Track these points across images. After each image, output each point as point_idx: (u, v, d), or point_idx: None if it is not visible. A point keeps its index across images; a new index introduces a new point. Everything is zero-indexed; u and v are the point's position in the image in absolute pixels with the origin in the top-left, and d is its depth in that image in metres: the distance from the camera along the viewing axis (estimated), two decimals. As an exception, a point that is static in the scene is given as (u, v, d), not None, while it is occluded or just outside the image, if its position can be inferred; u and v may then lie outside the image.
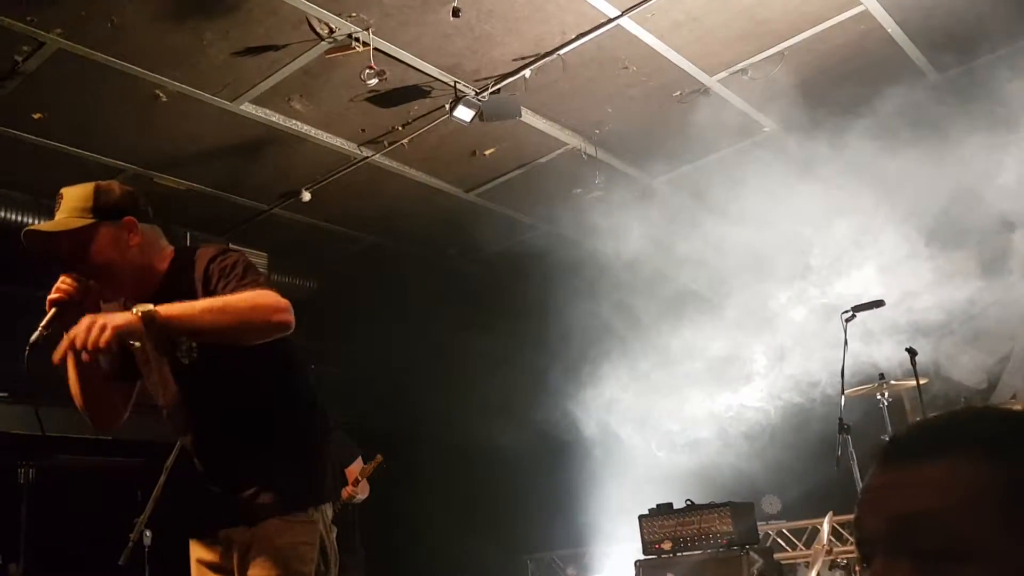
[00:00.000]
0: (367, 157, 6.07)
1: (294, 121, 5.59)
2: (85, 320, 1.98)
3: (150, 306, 2.02)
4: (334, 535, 2.38)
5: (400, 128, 5.78)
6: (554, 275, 6.86)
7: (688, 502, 5.69)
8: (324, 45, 4.79)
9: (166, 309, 2.03)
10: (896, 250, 5.43)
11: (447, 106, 5.33)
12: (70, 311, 2.19)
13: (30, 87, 4.89)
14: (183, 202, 6.28)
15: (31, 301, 6.46)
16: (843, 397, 4.76)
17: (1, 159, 5.50)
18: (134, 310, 2.02)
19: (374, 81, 4.90)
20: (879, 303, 4.92)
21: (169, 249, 2.41)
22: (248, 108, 5.36)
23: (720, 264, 6.07)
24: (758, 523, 5.86)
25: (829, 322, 5.24)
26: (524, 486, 7.32)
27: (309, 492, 2.31)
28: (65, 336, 2.00)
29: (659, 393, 6.52)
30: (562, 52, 5.10)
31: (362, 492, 5.79)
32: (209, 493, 2.35)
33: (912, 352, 4.82)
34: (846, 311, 4.88)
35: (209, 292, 2.23)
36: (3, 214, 5.54)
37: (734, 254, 5.98)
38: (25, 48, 4.59)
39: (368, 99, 5.39)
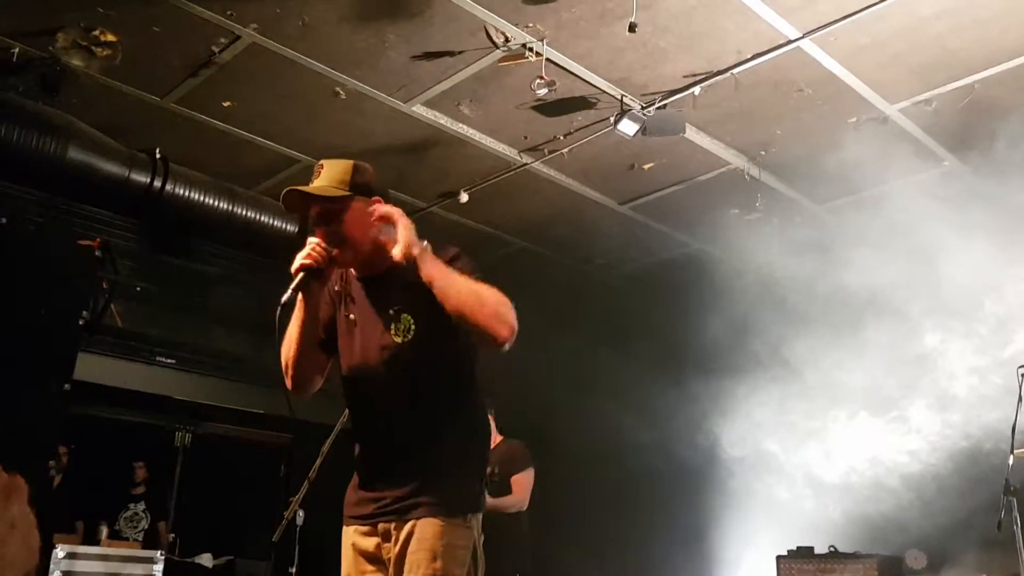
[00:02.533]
0: (526, 164, 6.14)
1: (461, 125, 5.72)
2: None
3: (427, 247, 2.26)
4: (482, 540, 2.41)
5: (562, 137, 5.81)
6: (702, 295, 6.73)
7: (831, 548, 5.45)
8: (498, 53, 4.88)
9: (433, 265, 2.28)
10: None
11: (612, 119, 5.32)
12: (316, 276, 2.37)
13: (223, 77, 5.21)
14: (348, 194, 6.52)
15: (202, 276, 6.88)
16: (1011, 456, 4.45)
17: (190, 141, 5.87)
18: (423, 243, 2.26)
19: (544, 91, 4.94)
20: (1061, 360, 4.57)
21: None
22: (419, 110, 5.52)
23: (883, 300, 5.79)
24: (900, 577, 5.56)
25: (1004, 373, 4.90)
26: (649, 508, 7.21)
27: (471, 497, 2.35)
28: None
29: (805, 428, 6.28)
30: (735, 71, 5.00)
31: (513, 502, 5.38)
32: (376, 483, 2.40)
33: (1095, 418, 4.44)
34: (1023, 365, 4.56)
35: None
36: (186, 193, 5.89)
37: (900, 291, 5.69)
38: (222, 40, 4.89)
39: (534, 107, 5.45)
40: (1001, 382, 5.02)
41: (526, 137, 5.88)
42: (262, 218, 6.08)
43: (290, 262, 2.38)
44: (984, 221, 5.24)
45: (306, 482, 3.63)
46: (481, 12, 4.58)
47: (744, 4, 4.46)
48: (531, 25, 4.69)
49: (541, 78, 4.88)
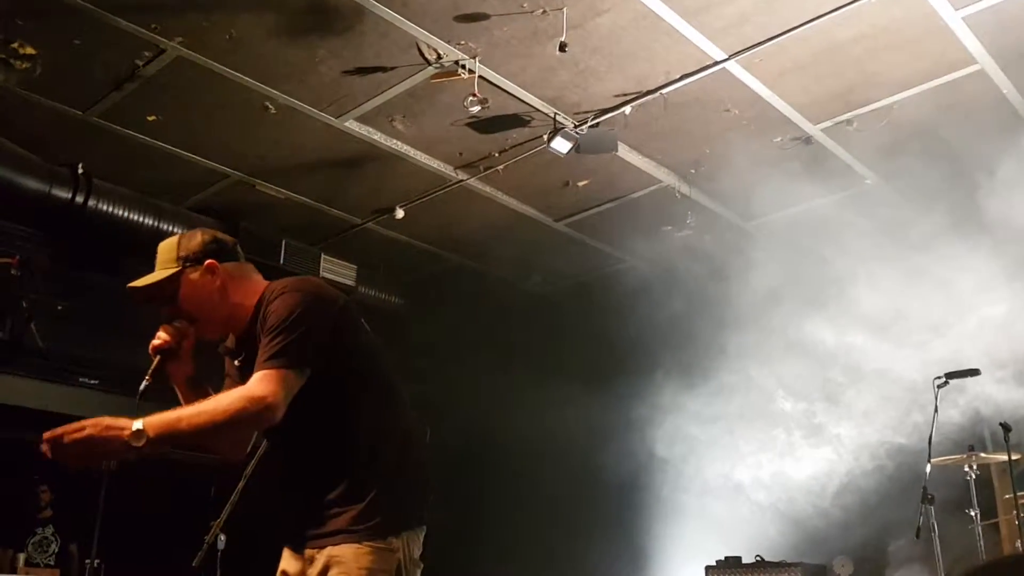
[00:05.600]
0: (462, 180, 6.15)
1: (395, 141, 5.70)
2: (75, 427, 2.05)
3: (140, 426, 2.07)
4: (419, 571, 2.36)
5: (497, 154, 5.84)
6: (637, 309, 6.81)
7: (758, 558, 5.56)
8: (431, 70, 4.88)
9: (154, 430, 2.08)
10: (998, 317, 5.22)
11: (545, 136, 5.37)
12: (171, 356, 2.40)
13: (147, 90, 5.11)
14: (281, 210, 6.47)
15: (128, 294, 6.69)
16: (929, 465, 4.60)
17: (114, 156, 5.73)
18: (133, 427, 2.06)
19: (476, 108, 4.97)
20: (975, 372, 4.75)
21: (261, 285, 2.48)
22: (352, 125, 5.49)
23: (810, 314, 5.93)
24: (828, 584, 5.70)
25: (922, 385, 5.06)
26: (585, 521, 7.24)
27: (388, 520, 2.31)
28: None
29: (736, 440, 6.39)
30: (664, 91, 5.09)
31: None
32: (294, 513, 2.39)
33: (1006, 428, 4.62)
34: (939, 377, 4.72)
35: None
36: (110, 209, 5.77)
37: (826, 305, 5.84)
38: (147, 53, 4.80)
39: (468, 124, 5.47)
40: (921, 394, 5.18)
41: (461, 154, 5.89)
42: (191, 234, 5.97)
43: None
44: (903, 236, 5.43)
45: (227, 506, 3.54)
46: (413, 29, 4.58)
47: (672, 26, 4.55)
48: (463, 43, 4.71)
49: (474, 95, 4.90)
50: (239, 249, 2.53)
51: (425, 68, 4.89)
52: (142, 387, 2.33)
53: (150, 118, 5.42)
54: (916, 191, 5.51)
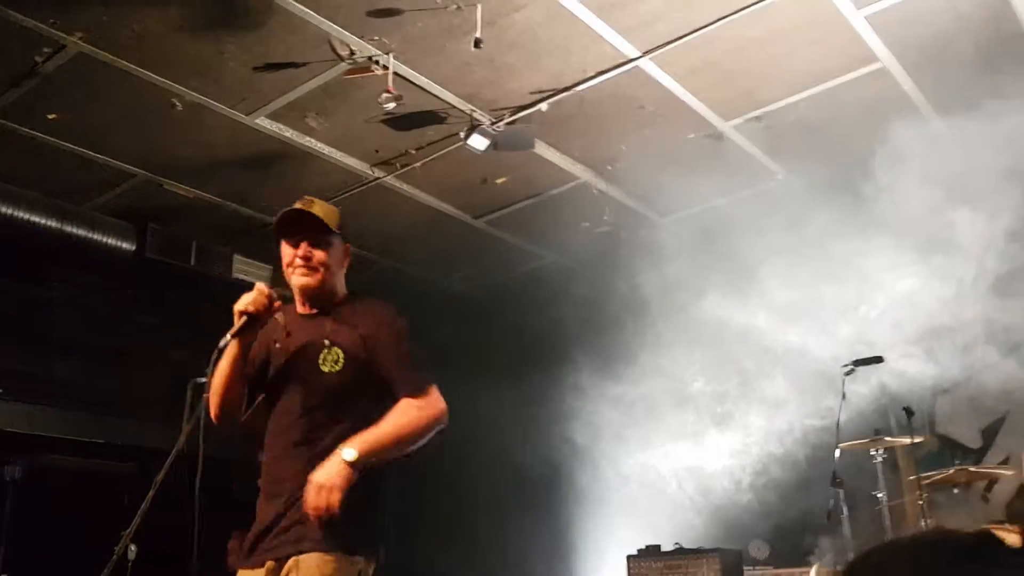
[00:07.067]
0: (379, 178, 6.08)
1: (308, 138, 5.60)
2: (315, 487, 2.25)
3: (355, 453, 2.28)
4: None
5: (414, 152, 5.80)
6: (556, 304, 6.86)
7: (676, 545, 5.67)
8: (344, 66, 4.81)
9: (365, 448, 2.31)
10: (902, 305, 5.42)
11: (462, 133, 5.35)
12: (255, 321, 2.48)
13: (47, 88, 4.91)
14: (190, 210, 6.27)
15: (31, 299, 6.42)
16: (838, 450, 4.76)
17: (13, 157, 5.50)
18: (344, 457, 2.28)
19: (391, 105, 4.90)
20: (878, 359, 4.93)
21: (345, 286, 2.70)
22: (263, 122, 5.37)
23: (724, 306, 6.07)
24: (744, 568, 5.84)
25: (830, 373, 5.23)
26: (511, 515, 7.27)
27: (363, 538, 2.37)
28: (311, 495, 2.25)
29: (653, 432, 6.50)
30: (580, 88, 5.13)
31: None
32: (272, 516, 2.39)
33: (909, 412, 4.82)
34: (845, 365, 4.89)
35: (372, 353, 2.50)
36: (11, 211, 5.54)
37: (738, 297, 5.98)
38: (46, 49, 4.61)
39: (384, 121, 5.40)
40: (833, 378, 5.34)
41: (377, 151, 5.83)
42: (96, 236, 5.76)
43: (127, 283, 2.35)
44: (813, 227, 5.59)
45: (138, 515, 3.41)
46: (324, 24, 4.50)
47: (586, 23, 4.59)
48: (376, 38, 4.65)
49: (388, 92, 4.84)
50: None
51: (338, 64, 4.81)
52: (223, 343, 2.40)
53: (51, 116, 5.21)
54: (824, 184, 5.66)
